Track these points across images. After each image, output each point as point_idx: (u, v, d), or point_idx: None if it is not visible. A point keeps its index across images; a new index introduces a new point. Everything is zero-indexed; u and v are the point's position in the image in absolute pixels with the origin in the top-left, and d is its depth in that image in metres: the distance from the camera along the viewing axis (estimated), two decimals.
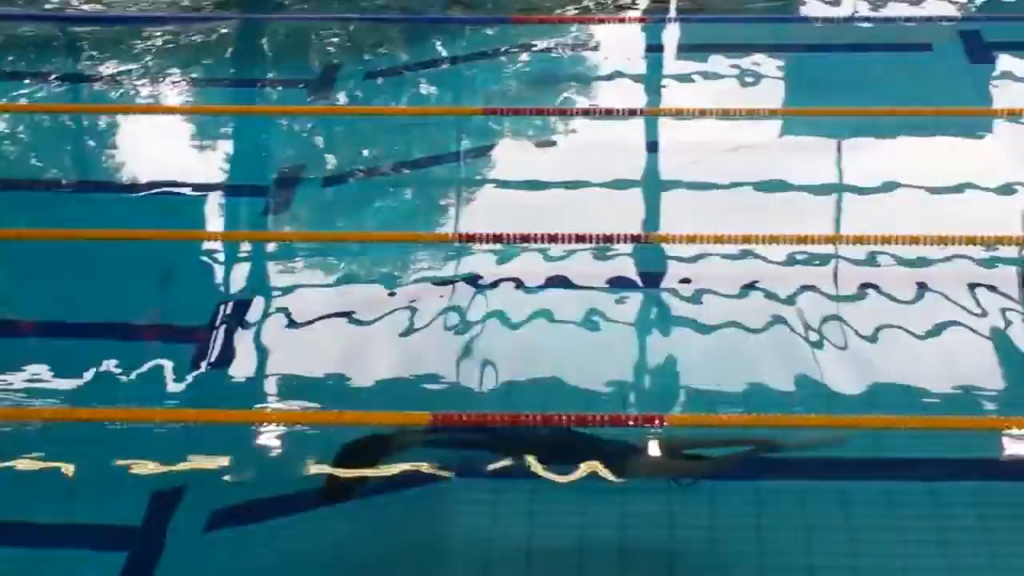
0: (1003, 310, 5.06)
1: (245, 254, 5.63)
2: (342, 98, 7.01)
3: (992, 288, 5.16)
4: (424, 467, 4.20)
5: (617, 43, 7.59)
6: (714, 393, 4.62)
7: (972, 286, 5.17)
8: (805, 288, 5.16)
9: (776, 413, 4.44)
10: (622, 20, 7.93)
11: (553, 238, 5.33)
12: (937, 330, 4.93)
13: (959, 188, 5.90)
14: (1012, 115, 6.59)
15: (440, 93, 7.22)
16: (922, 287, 5.17)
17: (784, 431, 4.36)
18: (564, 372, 4.72)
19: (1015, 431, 4.38)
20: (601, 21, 7.87)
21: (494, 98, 6.95)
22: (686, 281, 5.24)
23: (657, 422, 4.41)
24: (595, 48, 7.55)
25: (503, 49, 7.55)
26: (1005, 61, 7.16)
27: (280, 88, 7.25)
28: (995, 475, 4.28)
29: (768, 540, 3.95)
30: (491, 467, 4.25)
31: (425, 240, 5.61)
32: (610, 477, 4.18)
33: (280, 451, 4.41)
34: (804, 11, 8.02)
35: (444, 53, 7.62)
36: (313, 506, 4.15)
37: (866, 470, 4.27)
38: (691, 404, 4.59)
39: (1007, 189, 5.90)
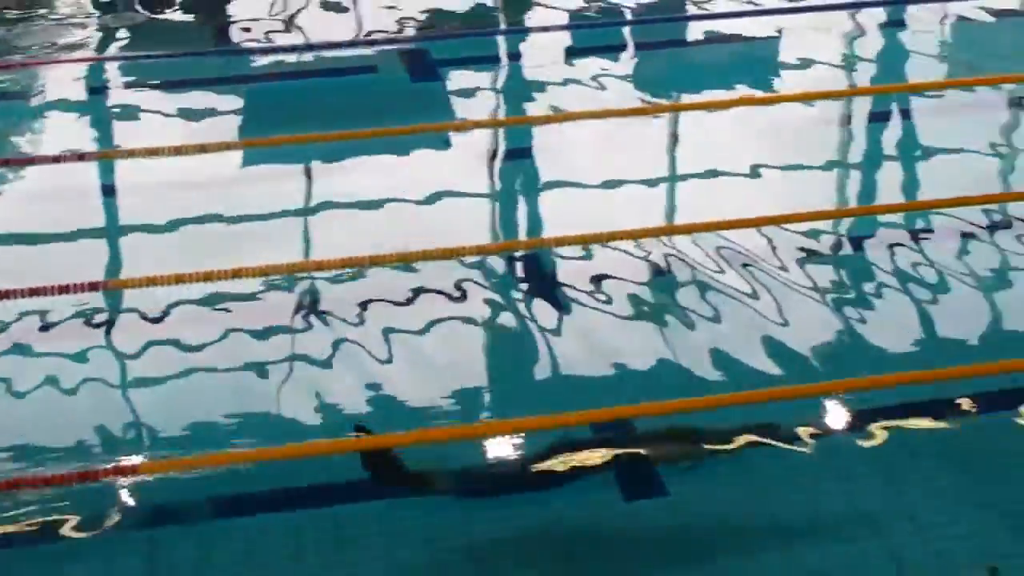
0: (478, 317, 5.26)
1: None
2: None
3: (463, 295, 5.36)
4: None
5: (61, 85, 7.39)
6: (180, 435, 4.57)
7: (452, 292, 5.36)
8: (278, 317, 5.21)
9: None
10: (66, 61, 7.72)
11: (5, 295, 5.13)
12: (406, 347, 5.07)
13: (418, 202, 6.08)
14: (460, 129, 6.85)
15: None
16: (405, 301, 5.32)
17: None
18: (39, 433, 4.57)
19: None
20: (42, 63, 7.63)
21: None
22: (156, 321, 5.17)
23: (131, 472, 4.34)
24: (38, 92, 7.30)
25: None
26: (447, 77, 7.41)
27: None
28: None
29: None
30: None
31: None
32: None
33: None
34: (247, 44, 8.04)
35: None
36: None
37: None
38: (169, 446, 4.52)
39: (458, 198, 6.16)
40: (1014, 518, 4.15)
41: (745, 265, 5.48)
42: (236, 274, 5.32)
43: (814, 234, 5.74)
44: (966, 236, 5.71)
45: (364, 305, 5.28)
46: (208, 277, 5.29)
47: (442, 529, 4.17)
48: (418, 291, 5.37)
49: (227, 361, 4.97)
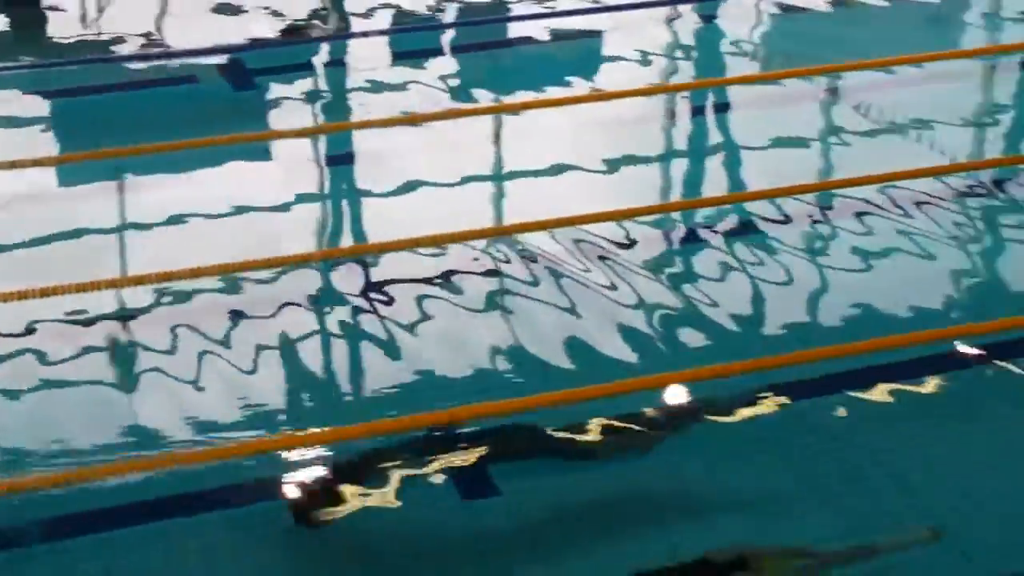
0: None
1: None
2: None
3: (298, 305, 5.24)
4: None
5: None
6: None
7: (287, 301, 5.25)
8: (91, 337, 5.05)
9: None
10: None
11: None
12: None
13: (241, 211, 5.95)
14: (282, 137, 6.72)
15: None
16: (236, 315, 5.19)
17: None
18: None
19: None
20: None
21: None
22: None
23: None
24: None
25: None
26: (270, 85, 7.26)
27: None
28: None
29: None
30: None
31: None
32: None
33: None
34: (67, 55, 7.74)
35: None
36: None
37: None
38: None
39: (285, 207, 6.01)
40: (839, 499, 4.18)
41: (602, 257, 5.49)
42: (44, 293, 5.18)
43: (659, 224, 5.82)
44: (810, 221, 5.81)
45: (195, 318, 5.15)
46: (23, 296, 5.14)
47: (294, 536, 4.09)
48: (253, 301, 5.25)
49: (69, 376, 4.84)
